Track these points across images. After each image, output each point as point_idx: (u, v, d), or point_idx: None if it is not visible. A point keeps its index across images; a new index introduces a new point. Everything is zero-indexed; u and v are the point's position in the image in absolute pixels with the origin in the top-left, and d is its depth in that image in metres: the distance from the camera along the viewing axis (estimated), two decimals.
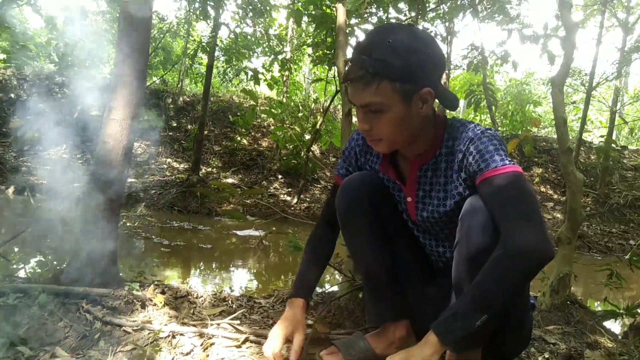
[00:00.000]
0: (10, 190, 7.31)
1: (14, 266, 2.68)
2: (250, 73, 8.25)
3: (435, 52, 1.40)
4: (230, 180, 9.04)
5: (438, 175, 1.52)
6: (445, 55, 6.63)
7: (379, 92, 1.35)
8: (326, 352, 1.71)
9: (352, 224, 1.64)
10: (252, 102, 9.38)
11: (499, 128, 11.48)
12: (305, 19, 5.35)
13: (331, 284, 2.33)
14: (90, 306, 1.88)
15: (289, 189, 9.10)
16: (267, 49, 9.52)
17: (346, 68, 1.43)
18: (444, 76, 8.29)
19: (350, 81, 1.40)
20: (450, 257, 1.60)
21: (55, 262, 2.04)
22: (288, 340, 1.57)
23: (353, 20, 4.11)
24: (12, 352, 1.62)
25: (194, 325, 1.83)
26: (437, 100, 1.46)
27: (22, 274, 2.48)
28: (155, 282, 2.20)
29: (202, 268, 3.72)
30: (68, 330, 1.74)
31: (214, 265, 4.68)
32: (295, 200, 8.36)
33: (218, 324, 1.88)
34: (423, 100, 1.40)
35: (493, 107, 7.02)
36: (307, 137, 9.12)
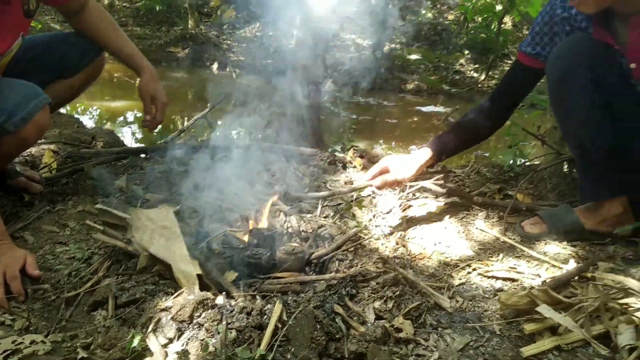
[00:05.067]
0: (215, 66, 8.08)
1: (222, 129, 2.99)
2: None
3: None
4: (413, 57, 8.77)
5: None
6: None
7: None
8: (529, 222, 1.66)
9: (566, 93, 1.47)
10: None
11: None
12: None
13: (533, 155, 2.19)
14: (299, 164, 2.06)
15: (476, 65, 8.56)
16: None
17: None
18: None
19: None
20: None
21: (266, 125, 2.23)
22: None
23: None
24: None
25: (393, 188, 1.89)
26: None
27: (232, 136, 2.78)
28: (354, 147, 2.30)
29: (389, 138, 3.81)
30: (282, 183, 1.94)
31: (400, 137, 4.76)
32: (483, 77, 7.87)
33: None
34: None
35: None
36: (499, 7, 8.29)
